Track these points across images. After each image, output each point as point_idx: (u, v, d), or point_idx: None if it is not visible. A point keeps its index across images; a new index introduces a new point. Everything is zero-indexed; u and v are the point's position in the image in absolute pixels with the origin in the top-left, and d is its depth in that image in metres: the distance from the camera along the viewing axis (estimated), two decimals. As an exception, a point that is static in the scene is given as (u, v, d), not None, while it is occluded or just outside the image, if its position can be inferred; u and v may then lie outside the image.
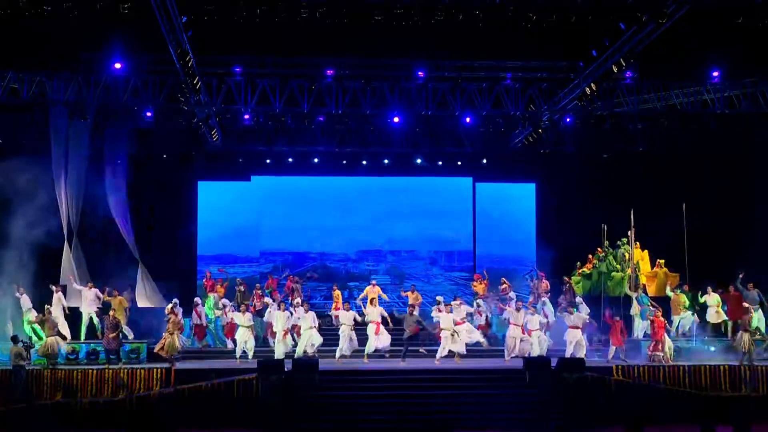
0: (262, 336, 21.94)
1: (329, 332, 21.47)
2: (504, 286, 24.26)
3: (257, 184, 28.02)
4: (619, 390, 17.80)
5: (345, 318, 20.47)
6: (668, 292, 22.12)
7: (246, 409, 17.28)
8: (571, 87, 22.33)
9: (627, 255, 23.45)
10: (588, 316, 20.36)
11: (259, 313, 21.98)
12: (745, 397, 17.93)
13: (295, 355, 19.83)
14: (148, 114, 23.65)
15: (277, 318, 20.46)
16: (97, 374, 17.98)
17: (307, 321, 20.22)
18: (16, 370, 17.59)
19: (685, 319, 21.85)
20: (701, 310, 22.09)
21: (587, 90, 21.12)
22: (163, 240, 25.66)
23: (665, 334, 19.90)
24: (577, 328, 20.03)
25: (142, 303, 23.95)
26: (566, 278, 24.05)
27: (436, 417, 16.80)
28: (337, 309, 22.09)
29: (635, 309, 21.53)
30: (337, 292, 23.50)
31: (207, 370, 18.31)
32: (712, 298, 21.89)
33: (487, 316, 22.35)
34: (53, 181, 23.36)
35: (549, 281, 24.05)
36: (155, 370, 18.08)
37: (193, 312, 22.03)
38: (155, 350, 19.24)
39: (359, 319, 20.59)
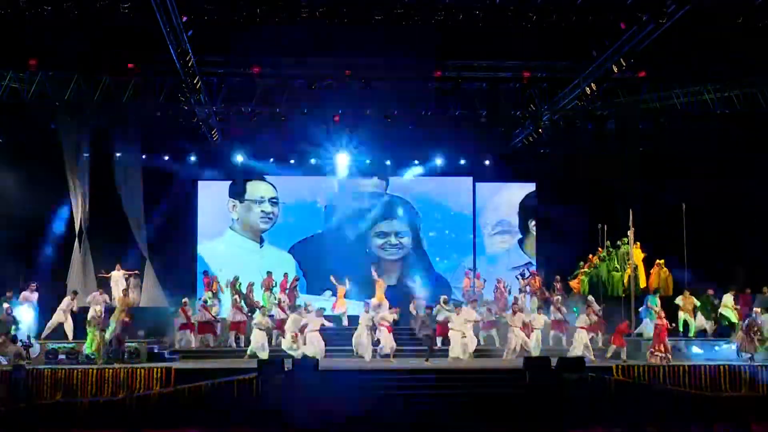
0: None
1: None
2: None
3: (257, 184, 28.02)
4: (619, 390, 17.78)
5: (364, 318, 20.59)
6: (681, 302, 22.04)
7: (246, 409, 17.27)
8: (571, 87, 22.34)
9: (627, 255, 23.43)
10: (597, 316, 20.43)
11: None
12: (745, 397, 17.90)
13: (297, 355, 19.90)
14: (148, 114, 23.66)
15: (291, 320, 20.56)
16: (97, 374, 17.96)
17: (314, 323, 20.31)
18: (16, 369, 17.58)
19: (702, 321, 21.90)
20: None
21: (587, 90, 21.12)
22: (163, 239, 25.64)
23: (666, 336, 19.90)
24: (584, 328, 20.07)
25: (146, 303, 23.94)
26: (557, 277, 24.17)
27: (435, 417, 16.78)
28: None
29: (655, 307, 21.43)
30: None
31: (207, 369, 18.29)
32: (730, 299, 21.90)
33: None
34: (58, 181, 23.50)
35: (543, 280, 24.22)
36: (155, 369, 18.06)
37: (199, 310, 22.16)
38: (91, 353, 19.23)
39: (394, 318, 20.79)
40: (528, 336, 20.76)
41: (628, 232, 22.75)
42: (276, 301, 22.68)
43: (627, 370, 18.35)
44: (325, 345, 20.39)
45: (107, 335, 19.62)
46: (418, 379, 18.47)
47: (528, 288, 24.06)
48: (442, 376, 18.62)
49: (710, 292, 22.20)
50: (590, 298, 21.93)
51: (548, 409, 17.25)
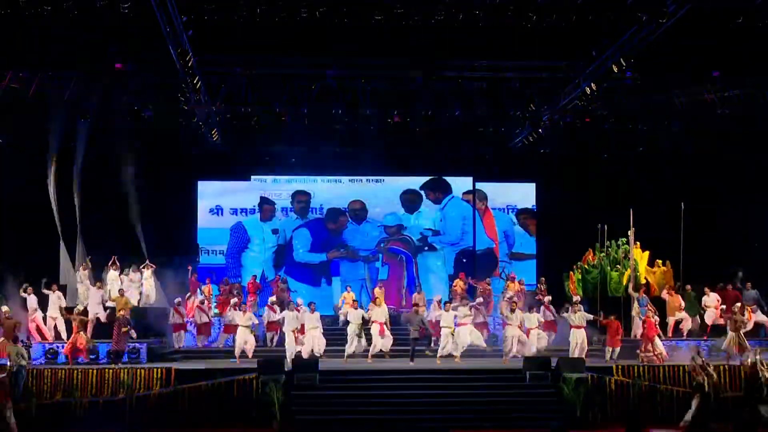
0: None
1: (335, 331, 21.60)
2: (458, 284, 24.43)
3: (257, 184, 28.04)
4: (619, 390, 17.78)
5: (353, 317, 20.49)
6: (664, 294, 22.08)
7: (246, 408, 17.28)
8: (571, 87, 22.34)
9: (627, 255, 23.41)
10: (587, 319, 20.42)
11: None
12: (744, 397, 17.87)
13: (303, 355, 19.86)
14: (149, 113, 23.64)
15: (289, 319, 20.54)
16: (97, 374, 17.96)
17: (312, 321, 20.27)
18: (16, 369, 17.56)
19: (685, 320, 21.89)
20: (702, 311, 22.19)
21: (587, 90, 21.13)
22: (162, 239, 25.63)
23: (656, 335, 19.91)
24: (580, 328, 20.09)
25: (145, 302, 23.89)
26: (542, 279, 24.17)
27: (435, 417, 16.79)
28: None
29: (636, 309, 21.51)
30: (347, 293, 24.08)
31: (207, 370, 18.29)
32: (710, 299, 21.91)
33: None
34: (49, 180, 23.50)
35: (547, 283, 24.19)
36: (155, 370, 18.06)
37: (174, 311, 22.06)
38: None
39: (367, 317, 20.60)
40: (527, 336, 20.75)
41: (628, 232, 22.74)
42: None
43: (627, 370, 18.33)
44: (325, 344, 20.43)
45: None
46: (419, 379, 18.46)
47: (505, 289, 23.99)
48: (442, 376, 18.62)
49: (688, 288, 22.20)
50: (576, 298, 21.78)
51: (548, 409, 17.25)
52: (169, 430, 16.68)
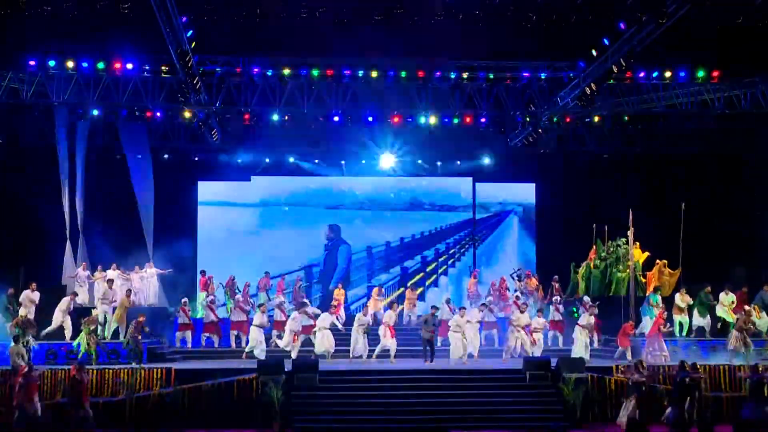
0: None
1: (336, 332, 21.62)
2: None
3: (257, 184, 28.05)
4: (619, 390, 17.77)
5: (359, 320, 20.66)
6: (678, 301, 22.01)
7: (246, 409, 17.27)
8: (571, 87, 22.34)
9: (627, 255, 23.41)
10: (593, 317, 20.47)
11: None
12: (744, 397, 17.87)
13: (314, 355, 19.98)
14: (149, 114, 23.66)
15: (293, 319, 20.62)
16: (97, 374, 17.94)
17: (325, 321, 20.38)
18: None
19: (687, 320, 21.90)
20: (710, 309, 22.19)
21: (587, 90, 21.12)
22: (162, 239, 25.63)
23: (661, 334, 19.92)
24: (585, 327, 20.12)
25: (147, 301, 23.88)
26: (555, 277, 24.16)
27: (435, 417, 16.78)
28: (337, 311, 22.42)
29: (656, 304, 21.41)
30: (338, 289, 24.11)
31: (207, 370, 18.29)
32: (727, 297, 21.89)
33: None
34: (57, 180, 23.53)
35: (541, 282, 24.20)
36: (155, 370, 18.05)
37: (181, 311, 22.01)
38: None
39: (369, 321, 20.69)
40: (530, 337, 20.76)
41: (628, 232, 22.74)
42: (277, 302, 22.59)
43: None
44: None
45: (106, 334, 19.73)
46: (419, 379, 18.46)
47: (525, 288, 24.01)
48: (442, 377, 18.61)
49: (707, 289, 22.18)
50: (586, 298, 21.83)
51: (548, 409, 17.25)
52: (169, 430, 16.67)
